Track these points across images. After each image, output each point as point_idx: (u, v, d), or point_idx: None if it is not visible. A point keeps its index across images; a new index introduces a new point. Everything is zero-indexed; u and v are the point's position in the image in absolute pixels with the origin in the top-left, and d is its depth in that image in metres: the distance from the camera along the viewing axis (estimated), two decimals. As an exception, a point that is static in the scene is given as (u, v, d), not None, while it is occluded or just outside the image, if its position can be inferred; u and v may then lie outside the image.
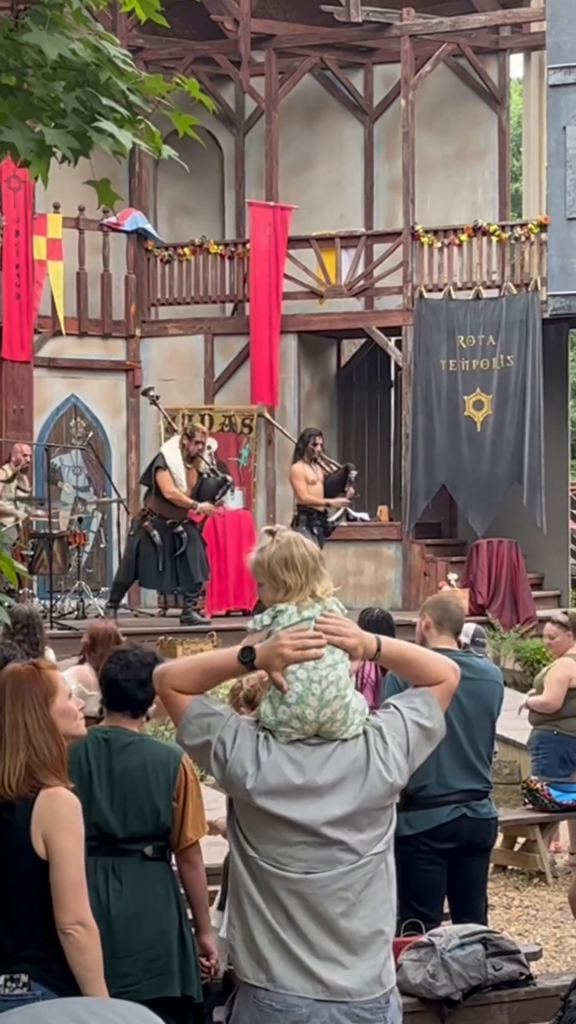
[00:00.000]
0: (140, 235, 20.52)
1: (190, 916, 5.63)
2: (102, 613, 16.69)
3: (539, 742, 11.57)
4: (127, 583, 17.13)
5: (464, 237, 19.52)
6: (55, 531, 17.00)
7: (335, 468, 17.29)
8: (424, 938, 6.61)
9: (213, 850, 6.39)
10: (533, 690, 11.89)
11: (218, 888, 6.16)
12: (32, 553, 16.51)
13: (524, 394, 18.92)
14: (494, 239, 19.49)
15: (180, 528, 16.41)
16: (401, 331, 19.87)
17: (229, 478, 17.23)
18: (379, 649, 4.36)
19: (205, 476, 16.62)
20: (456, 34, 20.64)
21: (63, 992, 4.43)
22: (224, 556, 18.68)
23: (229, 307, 21.08)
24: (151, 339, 20.65)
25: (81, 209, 19.33)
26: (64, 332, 19.62)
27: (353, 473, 17.11)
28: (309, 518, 17.06)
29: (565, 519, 20.84)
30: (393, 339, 20.06)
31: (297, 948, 4.20)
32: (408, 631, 7.83)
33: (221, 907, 6.00)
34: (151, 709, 5.65)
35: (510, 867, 11.65)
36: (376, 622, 9.69)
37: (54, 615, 16.18)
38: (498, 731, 11.89)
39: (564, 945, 9.59)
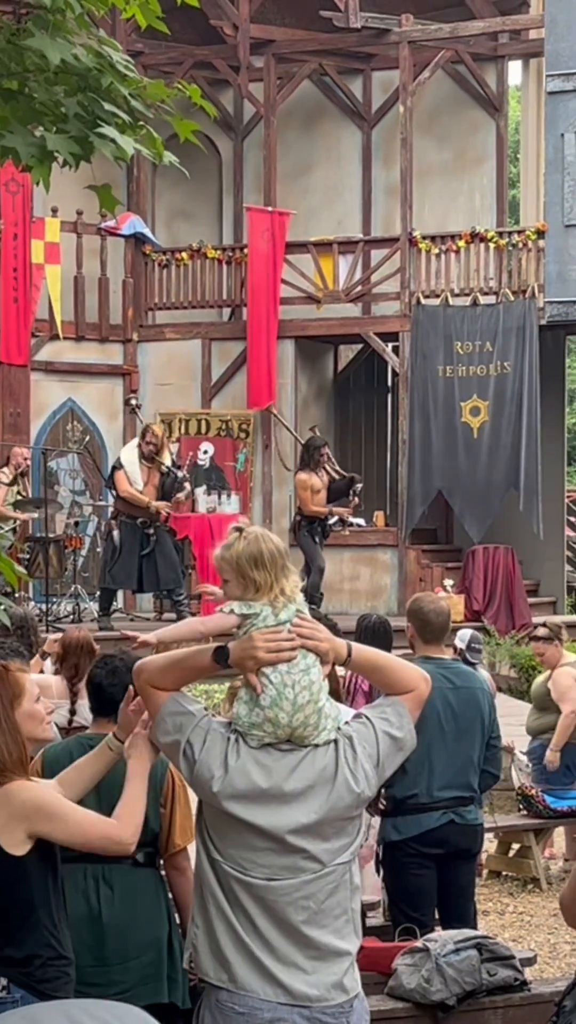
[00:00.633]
0: (138, 239, 20.55)
1: (178, 921, 5.63)
2: (96, 616, 16.71)
3: (542, 751, 11.54)
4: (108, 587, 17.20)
5: (462, 243, 19.55)
6: (51, 535, 17.01)
7: (341, 476, 17.32)
8: (419, 943, 6.62)
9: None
10: (535, 715, 11.81)
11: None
12: (28, 556, 16.51)
13: (521, 401, 18.94)
14: (491, 246, 19.51)
15: (151, 529, 16.50)
16: (398, 337, 19.89)
17: (180, 474, 17.21)
18: (349, 655, 4.34)
19: (165, 474, 16.76)
20: (455, 41, 20.67)
21: (42, 994, 4.38)
22: (220, 560, 18.67)
23: (226, 312, 21.09)
24: (148, 343, 20.68)
25: (79, 213, 19.36)
26: (61, 336, 19.65)
27: (359, 486, 17.20)
28: (311, 524, 17.13)
29: (561, 526, 20.86)
30: (390, 345, 20.08)
31: (259, 951, 4.19)
32: (404, 637, 7.84)
33: None
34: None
35: (504, 873, 11.65)
36: (373, 628, 9.70)
37: (49, 619, 16.18)
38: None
39: (558, 951, 9.59)
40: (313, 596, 16.82)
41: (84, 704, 7.06)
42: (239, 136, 22.48)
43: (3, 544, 5.15)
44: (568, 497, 21.79)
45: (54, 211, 19.09)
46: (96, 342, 20.31)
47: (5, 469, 17.14)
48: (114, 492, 16.83)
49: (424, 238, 19.68)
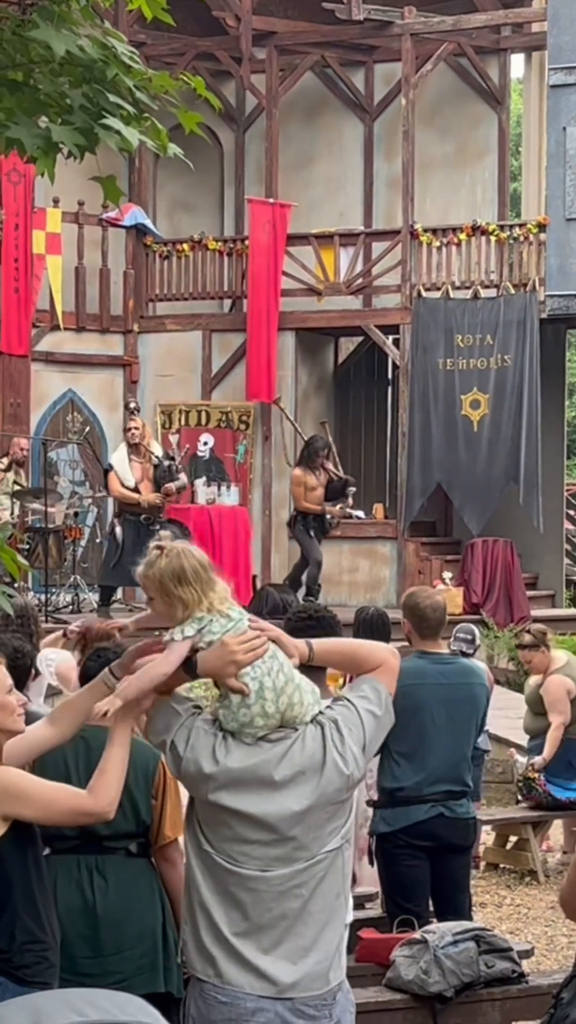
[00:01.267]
0: (139, 230, 20.55)
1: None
2: (96, 607, 16.71)
3: (541, 749, 11.54)
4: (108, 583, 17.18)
5: (463, 236, 19.54)
6: (51, 525, 17.02)
7: (338, 477, 17.31)
8: (417, 935, 6.64)
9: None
10: (531, 717, 11.82)
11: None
12: (28, 547, 16.52)
13: (521, 394, 18.95)
14: (493, 239, 19.51)
15: (156, 525, 16.49)
16: (399, 329, 19.89)
17: (176, 464, 17.23)
18: (311, 649, 4.39)
19: (156, 466, 16.81)
20: (457, 33, 20.66)
21: (21, 980, 4.36)
22: (220, 552, 18.67)
23: (227, 303, 21.09)
24: (149, 334, 20.68)
25: (80, 204, 19.35)
26: (62, 326, 19.65)
27: (352, 489, 17.23)
28: (305, 519, 17.17)
29: (560, 519, 20.88)
30: (391, 337, 20.08)
31: (244, 946, 4.21)
32: (401, 628, 7.85)
33: None
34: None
35: (502, 865, 11.68)
36: (371, 620, 9.71)
37: (49, 609, 16.18)
38: (491, 730, 11.98)
39: (555, 943, 9.62)
40: (311, 588, 16.85)
41: None
42: (241, 128, 22.47)
43: (4, 534, 5.14)
44: (567, 491, 21.82)
45: (55, 201, 19.09)
46: (97, 333, 20.31)
47: (3, 459, 17.15)
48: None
49: (425, 231, 19.68)
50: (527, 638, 11.81)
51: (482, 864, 11.57)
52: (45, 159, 4.61)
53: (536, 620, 15.66)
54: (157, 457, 16.96)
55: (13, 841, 4.45)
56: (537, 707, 11.52)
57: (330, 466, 17.35)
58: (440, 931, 6.63)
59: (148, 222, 20.62)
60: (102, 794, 4.40)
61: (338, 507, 17.22)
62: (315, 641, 4.46)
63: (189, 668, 4.23)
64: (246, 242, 20.33)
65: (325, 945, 4.30)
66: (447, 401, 19.32)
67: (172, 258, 20.68)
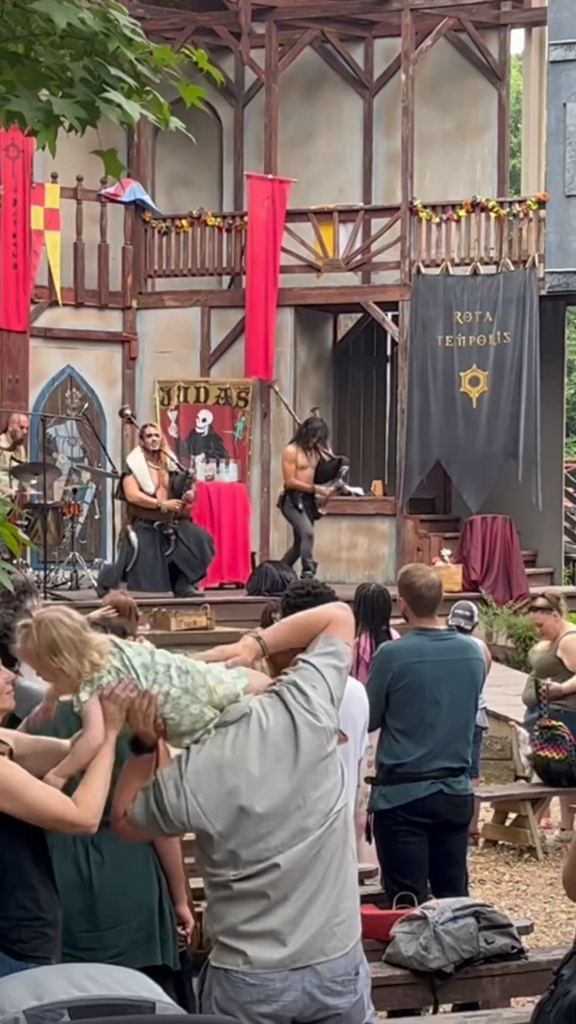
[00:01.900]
0: (138, 206, 20.49)
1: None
2: (95, 584, 16.69)
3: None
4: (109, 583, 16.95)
5: (462, 213, 19.50)
6: (49, 502, 17.00)
7: (330, 458, 17.22)
8: (417, 911, 6.65)
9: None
10: (533, 671, 11.85)
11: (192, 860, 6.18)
12: (27, 523, 16.50)
13: (520, 371, 18.92)
14: (492, 215, 19.47)
15: (169, 530, 16.42)
16: (398, 306, 19.85)
17: (190, 472, 17.30)
18: (262, 642, 4.46)
19: (174, 474, 16.70)
20: (457, 8, 20.59)
21: (19, 955, 4.38)
22: (218, 530, 18.68)
23: (226, 280, 21.04)
24: (147, 311, 20.64)
25: (79, 179, 19.30)
26: (61, 302, 19.61)
27: (344, 468, 17.10)
28: (293, 496, 17.06)
29: (559, 496, 20.87)
30: (390, 314, 20.04)
31: (273, 926, 4.27)
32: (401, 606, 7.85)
33: None
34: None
35: (501, 842, 11.70)
36: (372, 597, 9.71)
37: (48, 586, 16.18)
38: (489, 707, 12.00)
39: (554, 920, 9.64)
40: (307, 563, 16.82)
41: None
42: (240, 103, 22.39)
43: (3, 510, 5.13)
44: (567, 468, 21.81)
45: (54, 177, 19.04)
46: (95, 309, 20.27)
47: (3, 436, 17.13)
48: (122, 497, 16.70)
49: (425, 207, 19.63)
50: (541, 601, 11.89)
51: (481, 841, 11.59)
52: (46, 132, 4.59)
53: (538, 596, 15.65)
54: (176, 464, 16.93)
55: (3, 825, 4.44)
56: (550, 670, 11.52)
57: (321, 448, 17.18)
58: (440, 907, 6.64)
59: (147, 198, 20.56)
60: (88, 806, 4.41)
61: (331, 488, 17.05)
62: (263, 633, 4.51)
63: (139, 748, 4.41)
64: (245, 218, 20.28)
65: (350, 903, 4.40)
66: (446, 378, 19.30)
67: (171, 234, 20.63)
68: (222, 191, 22.48)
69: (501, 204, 19.64)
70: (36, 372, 19.43)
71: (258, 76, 21.32)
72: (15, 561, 14.39)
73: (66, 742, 4.58)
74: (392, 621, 9.69)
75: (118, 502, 17.48)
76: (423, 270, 19.51)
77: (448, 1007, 6.77)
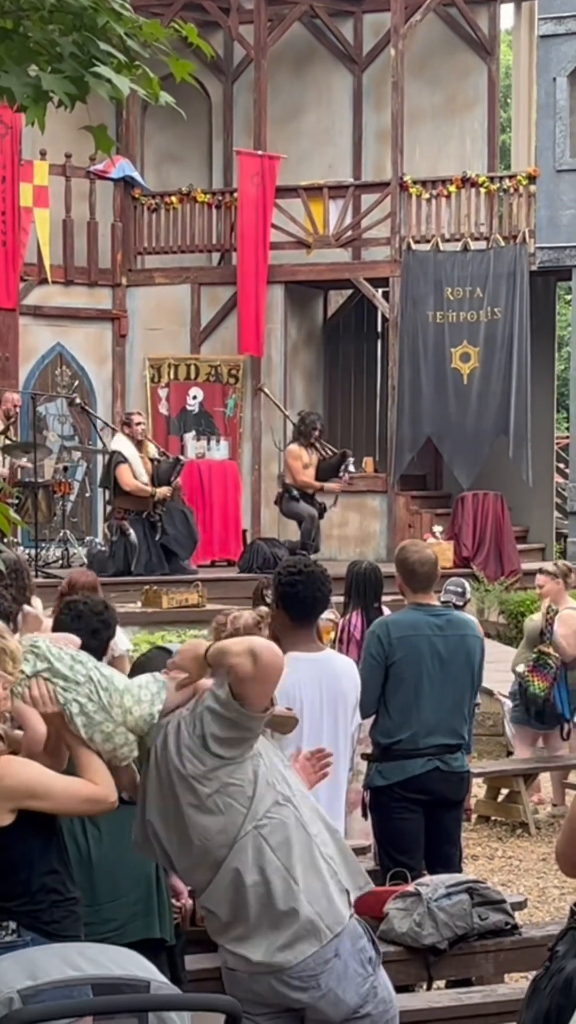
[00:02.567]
0: (127, 183, 20.42)
1: None
2: (86, 562, 16.67)
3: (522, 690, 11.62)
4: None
5: (452, 188, 19.45)
6: (40, 480, 16.97)
7: (331, 453, 17.08)
8: (410, 887, 6.65)
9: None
10: (524, 653, 11.87)
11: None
12: (17, 502, 16.48)
13: (511, 347, 18.90)
14: (483, 191, 19.42)
15: (156, 516, 16.38)
16: (388, 282, 19.81)
17: (182, 458, 17.24)
18: (209, 654, 4.58)
19: (157, 461, 16.63)
20: (447, -17, 20.52)
21: (52, 935, 4.45)
22: (209, 507, 18.68)
23: (216, 256, 21.00)
24: (137, 288, 20.58)
25: (68, 156, 19.23)
26: (50, 280, 19.54)
27: (350, 460, 16.96)
28: (290, 492, 16.92)
29: (550, 472, 20.87)
30: (380, 290, 20.00)
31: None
32: (395, 583, 7.84)
33: None
34: None
35: (493, 818, 11.72)
36: (365, 574, 9.71)
37: (39, 564, 16.17)
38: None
39: (547, 895, 9.66)
40: (306, 544, 16.76)
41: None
42: (229, 79, 22.31)
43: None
44: (557, 443, 21.79)
45: (43, 154, 18.96)
46: (85, 286, 20.21)
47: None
48: (112, 490, 16.49)
49: (415, 183, 19.57)
50: (551, 567, 11.91)
51: (473, 816, 11.60)
52: (35, 108, 4.57)
53: (527, 573, 15.65)
54: (162, 451, 16.90)
55: (24, 819, 4.50)
56: (534, 641, 11.57)
57: (319, 445, 17.02)
58: (433, 883, 6.65)
59: (136, 174, 20.49)
60: (104, 782, 4.56)
61: (339, 484, 16.88)
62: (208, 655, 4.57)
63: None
64: (235, 194, 20.21)
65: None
66: (437, 354, 19.27)
67: (160, 211, 20.56)
68: (211, 167, 22.41)
69: (491, 179, 19.59)
70: (26, 350, 19.38)
71: (247, 52, 21.24)
72: (6, 540, 14.37)
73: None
74: (384, 598, 9.69)
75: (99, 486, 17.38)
76: (413, 246, 19.47)
77: (442, 983, 6.79)
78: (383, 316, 20.68)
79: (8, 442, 16.89)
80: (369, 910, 6.74)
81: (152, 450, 16.86)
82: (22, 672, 4.46)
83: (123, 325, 20.44)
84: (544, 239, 19.01)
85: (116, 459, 16.30)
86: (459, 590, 11.58)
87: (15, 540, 16.23)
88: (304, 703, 6.00)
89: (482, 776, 11.54)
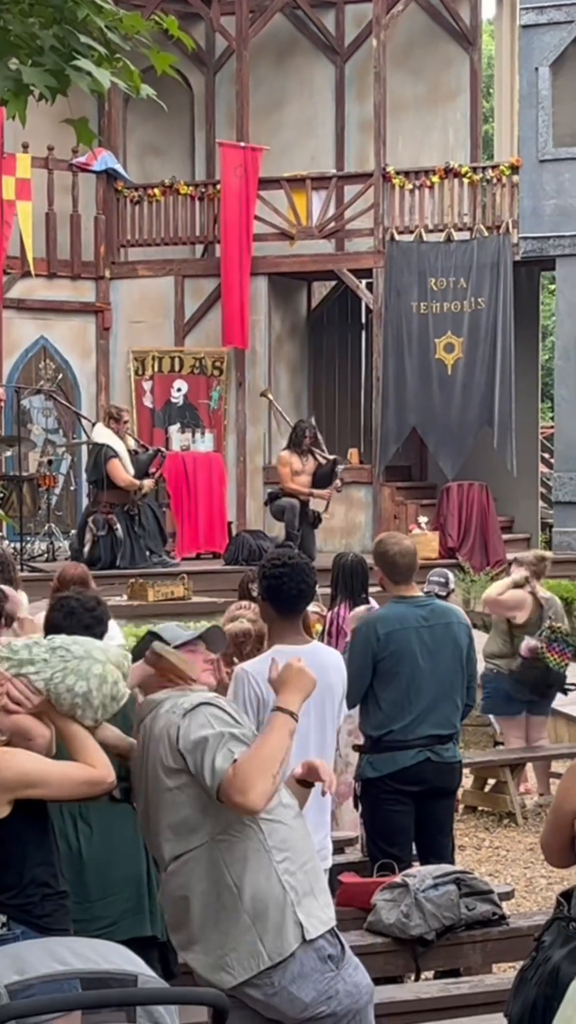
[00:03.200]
0: (110, 175, 20.38)
1: None
2: (71, 555, 16.67)
3: (491, 676, 11.71)
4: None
5: (435, 179, 19.43)
6: (25, 473, 16.95)
7: (325, 460, 16.98)
8: (398, 878, 6.67)
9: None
10: (490, 638, 12.02)
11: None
12: (2, 496, 16.47)
13: (495, 337, 18.90)
14: (466, 181, 19.40)
15: (135, 510, 16.39)
16: (372, 273, 19.80)
17: (162, 449, 17.22)
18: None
19: (135, 452, 16.61)
20: (428, -27, 20.49)
21: (43, 929, 4.46)
22: (195, 499, 18.66)
23: (199, 248, 20.97)
24: (121, 280, 20.55)
25: (50, 149, 19.18)
26: (33, 273, 19.49)
27: (340, 467, 16.90)
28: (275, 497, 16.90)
29: (535, 462, 20.88)
30: (364, 281, 19.99)
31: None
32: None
33: None
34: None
35: (480, 808, 11.73)
36: (351, 566, 9.71)
37: (24, 557, 16.15)
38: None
39: (534, 885, 9.67)
40: (291, 534, 16.72)
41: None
42: (211, 71, 22.27)
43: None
44: (542, 433, 21.80)
45: (25, 147, 18.90)
46: (68, 279, 20.17)
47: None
48: (98, 484, 16.44)
49: (398, 173, 19.56)
50: (531, 560, 12.01)
51: (460, 807, 11.61)
52: (16, 101, 4.55)
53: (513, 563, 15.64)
54: (140, 443, 16.92)
55: (20, 811, 4.51)
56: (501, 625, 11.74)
57: (316, 452, 16.94)
58: (421, 874, 6.66)
59: (119, 167, 20.45)
60: (101, 764, 4.57)
61: (329, 491, 16.80)
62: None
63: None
64: (217, 186, 20.18)
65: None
66: (421, 345, 19.26)
67: (143, 203, 20.53)
68: (194, 159, 22.38)
69: (474, 169, 19.57)
70: (9, 343, 19.34)
71: (229, 43, 21.19)
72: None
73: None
74: (371, 590, 9.69)
75: (84, 479, 17.35)
76: (397, 237, 19.46)
77: (430, 974, 6.80)
78: (367, 307, 20.67)
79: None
80: (356, 901, 6.77)
81: (131, 442, 16.86)
82: None
83: (107, 318, 20.41)
84: (527, 229, 19.01)
85: (107, 453, 16.24)
86: (442, 580, 11.59)
87: (0, 534, 16.23)
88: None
89: (469, 766, 11.54)
